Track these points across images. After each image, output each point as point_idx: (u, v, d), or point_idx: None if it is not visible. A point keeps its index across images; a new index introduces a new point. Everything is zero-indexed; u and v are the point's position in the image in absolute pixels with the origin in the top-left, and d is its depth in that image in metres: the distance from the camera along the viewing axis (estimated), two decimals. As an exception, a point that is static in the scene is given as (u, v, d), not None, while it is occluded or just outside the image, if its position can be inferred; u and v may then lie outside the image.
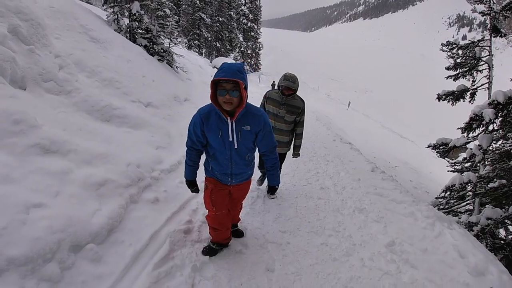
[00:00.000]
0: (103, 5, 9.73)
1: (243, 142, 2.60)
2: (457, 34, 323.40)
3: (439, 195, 7.56)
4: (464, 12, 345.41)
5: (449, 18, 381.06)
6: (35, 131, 3.00)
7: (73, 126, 3.69)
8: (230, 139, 2.53)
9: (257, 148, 2.82)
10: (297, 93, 4.37)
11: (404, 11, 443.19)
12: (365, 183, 5.96)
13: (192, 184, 2.94)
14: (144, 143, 4.79)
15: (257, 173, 5.04)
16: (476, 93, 7.82)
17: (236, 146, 2.59)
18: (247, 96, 2.44)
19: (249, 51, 44.02)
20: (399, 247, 3.74)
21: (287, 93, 4.22)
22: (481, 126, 6.37)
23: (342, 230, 4.07)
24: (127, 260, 2.70)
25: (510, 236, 6.16)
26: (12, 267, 1.97)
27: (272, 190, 3.14)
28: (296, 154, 4.75)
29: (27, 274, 2.03)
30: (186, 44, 34.66)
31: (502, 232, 6.48)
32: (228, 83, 2.26)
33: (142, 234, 3.09)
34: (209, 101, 2.51)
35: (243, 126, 2.52)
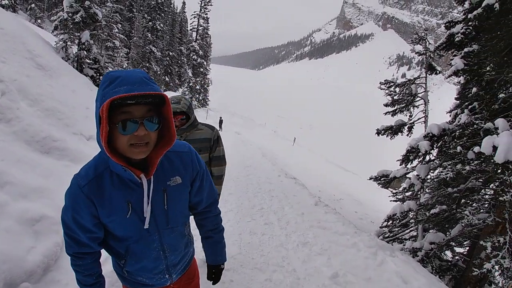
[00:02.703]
0: (53, 31, 9.51)
1: (176, 209, 1.49)
2: (397, 72, 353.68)
3: (382, 224, 7.96)
4: (403, 52, 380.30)
5: (389, 58, 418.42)
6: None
7: (11, 156, 3.51)
8: (149, 213, 1.38)
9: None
10: (200, 122, 3.01)
11: (348, 52, 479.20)
12: (308, 217, 6.15)
13: None
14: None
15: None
16: (414, 127, 8.50)
17: (166, 222, 1.46)
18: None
19: (197, 87, 44.44)
20: (343, 278, 3.88)
21: (178, 123, 2.79)
22: (418, 157, 6.94)
23: (286, 265, 4.15)
24: (64, 300, 2.57)
25: (456, 257, 6.60)
26: None
27: (217, 273, 1.84)
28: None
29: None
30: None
31: (449, 254, 6.93)
32: (139, 106, 1.19)
33: (80, 273, 2.95)
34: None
35: (169, 181, 1.43)
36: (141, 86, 1.15)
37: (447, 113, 7.68)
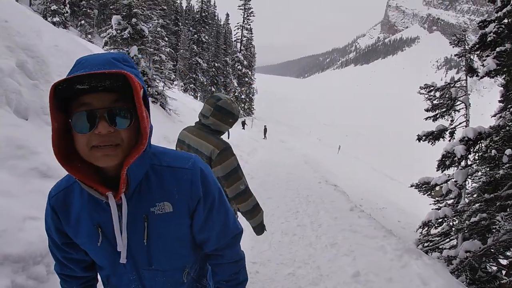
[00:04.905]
0: (103, 47, 10.51)
1: (165, 246, 1.08)
2: (445, 76, 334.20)
3: (416, 230, 7.71)
4: (451, 55, 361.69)
5: (437, 61, 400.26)
6: (35, 157, 3.36)
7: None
8: (125, 247, 1.02)
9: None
10: (221, 130, 2.31)
11: (394, 57, 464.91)
12: (341, 221, 6.25)
13: None
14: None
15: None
16: (455, 132, 8.11)
17: (148, 262, 1.08)
18: (150, 125, 0.98)
19: (243, 96, 45.43)
20: (364, 277, 3.99)
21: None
22: (454, 162, 6.70)
23: (311, 262, 4.34)
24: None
25: (495, 268, 6.27)
26: (7, 263, 2.29)
27: None
28: (255, 230, 2.47)
29: (18, 270, 2.33)
30: (182, 88, 35.88)
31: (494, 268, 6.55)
32: (101, 94, 0.88)
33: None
34: None
35: (154, 206, 1.02)
36: (103, 65, 0.85)
37: (491, 117, 7.36)
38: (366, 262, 4.41)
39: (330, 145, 41.89)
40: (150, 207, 1.02)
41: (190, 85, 38.02)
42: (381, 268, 4.28)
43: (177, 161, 1.07)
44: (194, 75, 38.74)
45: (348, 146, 42.92)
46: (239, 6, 45.36)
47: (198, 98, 39.03)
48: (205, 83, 41.52)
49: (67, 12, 25.53)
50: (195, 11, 45.21)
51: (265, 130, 31.37)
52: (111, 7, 24.83)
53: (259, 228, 2.43)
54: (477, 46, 6.47)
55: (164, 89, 11.83)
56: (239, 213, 2.37)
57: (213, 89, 43.07)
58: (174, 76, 13.78)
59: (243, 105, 46.14)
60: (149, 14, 11.12)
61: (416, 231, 7.73)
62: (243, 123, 33.28)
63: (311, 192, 9.00)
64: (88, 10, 29.53)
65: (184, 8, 49.42)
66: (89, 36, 27.45)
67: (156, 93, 11.02)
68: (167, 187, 1.03)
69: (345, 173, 21.20)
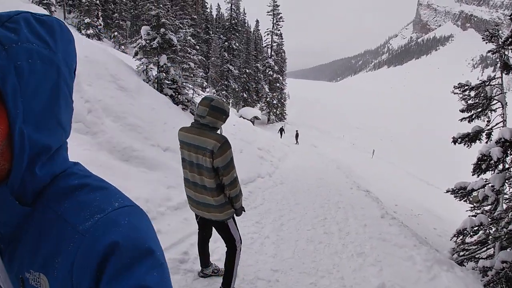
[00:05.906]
0: (133, 57, 10.93)
1: None
2: (482, 75, 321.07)
3: (451, 239, 7.32)
4: (487, 53, 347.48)
5: (472, 60, 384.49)
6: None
7: (94, 162, 4.20)
8: None
9: None
10: (218, 127, 2.71)
11: (428, 57, 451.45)
12: (371, 229, 6.04)
13: None
14: (157, 182, 5.23)
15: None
16: (492, 133, 7.55)
17: None
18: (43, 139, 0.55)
19: (274, 102, 45.42)
20: (388, 290, 3.82)
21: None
22: (490, 166, 6.26)
23: (335, 272, 4.18)
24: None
25: None
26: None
27: None
28: (237, 212, 2.92)
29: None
30: (215, 94, 36.46)
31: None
32: None
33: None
34: None
35: (28, 273, 0.56)
36: None
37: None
38: (392, 273, 4.21)
39: (364, 150, 40.89)
40: (24, 270, 0.58)
41: (222, 92, 38.57)
42: (408, 279, 4.09)
43: (77, 210, 0.57)
44: (226, 82, 39.31)
45: (382, 150, 41.61)
46: (268, 12, 45.58)
47: (230, 104, 39.50)
48: (237, 89, 41.98)
49: (100, 25, 26.88)
50: (225, 19, 45.95)
51: (297, 135, 31.23)
52: (142, 18, 25.89)
53: (239, 211, 2.92)
54: (510, 40, 6.01)
55: (194, 96, 12.05)
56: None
57: (245, 95, 43.45)
58: (206, 84, 14.00)
59: (275, 110, 46.10)
60: (178, 24, 11.41)
61: (451, 239, 7.32)
62: (281, 131, 32.63)
63: (342, 198, 8.77)
64: (121, 22, 30.93)
65: (214, 16, 50.41)
66: (123, 46, 28.65)
67: (186, 100, 11.24)
68: (47, 251, 0.56)
69: (378, 178, 20.60)
